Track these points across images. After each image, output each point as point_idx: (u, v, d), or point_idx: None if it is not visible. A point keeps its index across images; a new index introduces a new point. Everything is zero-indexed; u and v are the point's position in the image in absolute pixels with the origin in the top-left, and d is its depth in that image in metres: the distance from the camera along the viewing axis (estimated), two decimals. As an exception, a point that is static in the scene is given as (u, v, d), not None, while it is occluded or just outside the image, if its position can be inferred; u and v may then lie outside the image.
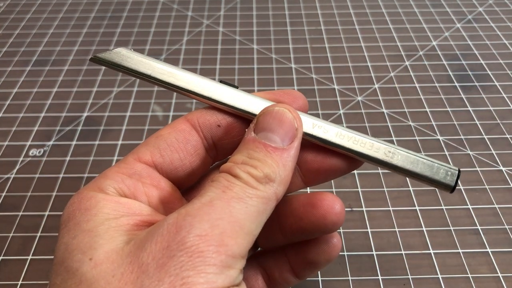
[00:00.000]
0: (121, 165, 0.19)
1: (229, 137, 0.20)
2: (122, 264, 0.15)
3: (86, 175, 0.32)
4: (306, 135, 0.19)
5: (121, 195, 0.18)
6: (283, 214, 0.21)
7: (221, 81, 0.20)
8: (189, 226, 0.15)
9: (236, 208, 0.16)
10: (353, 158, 0.20)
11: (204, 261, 0.15)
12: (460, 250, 0.28)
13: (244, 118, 0.20)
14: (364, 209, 0.30)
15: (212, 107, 0.20)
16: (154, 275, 0.14)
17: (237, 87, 0.20)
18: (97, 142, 0.35)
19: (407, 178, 0.32)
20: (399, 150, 0.19)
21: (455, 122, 0.36)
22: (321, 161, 0.20)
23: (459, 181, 0.31)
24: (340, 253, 0.28)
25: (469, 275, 0.27)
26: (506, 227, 0.29)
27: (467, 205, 0.30)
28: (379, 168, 0.32)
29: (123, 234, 0.16)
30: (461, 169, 0.32)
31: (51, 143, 0.35)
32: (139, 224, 0.17)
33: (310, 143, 0.20)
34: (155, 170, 0.19)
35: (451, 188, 0.19)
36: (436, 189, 0.19)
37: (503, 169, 0.32)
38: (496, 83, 0.40)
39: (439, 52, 0.43)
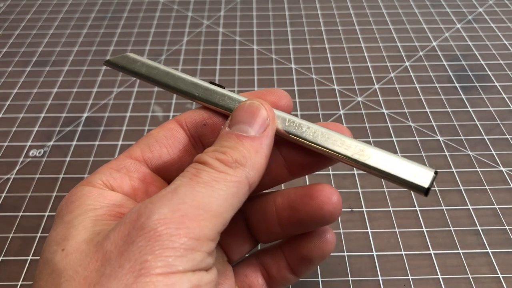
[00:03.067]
0: (112, 162, 0.20)
1: (214, 136, 0.21)
2: (89, 253, 0.15)
3: (86, 175, 0.32)
4: (279, 131, 0.20)
5: (108, 188, 0.19)
6: (281, 206, 0.21)
7: (210, 82, 0.22)
8: (149, 212, 0.15)
9: (201, 192, 0.16)
10: (325, 155, 0.20)
11: (162, 245, 0.14)
12: (460, 251, 0.28)
13: (228, 117, 0.21)
14: (364, 209, 0.30)
15: (201, 107, 0.22)
16: (115, 262, 0.15)
17: (223, 87, 0.21)
18: (97, 143, 0.35)
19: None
20: (372, 149, 0.19)
21: (455, 123, 0.36)
22: (302, 156, 0.21)
23: (459, 182, 0.32)
24: (340, 254, 0.28)
25: (469, 276, 0.27)
26: (507, 227, 0.29)
27: (467, 206, 0.30)
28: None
29: (98, 224, 0.17)
30: (461, 170, 0.32)
31: (51, 143, 0.35)
32: (117, 216, 0.18)
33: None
34: (145, 165, 0.20)
35: (425, 191, 0.18)
36: (411, 191, 0.19)
37: (503, 169, 0.32)
38: (496, 84, 0.40)
39: (439, 53, 0.43)
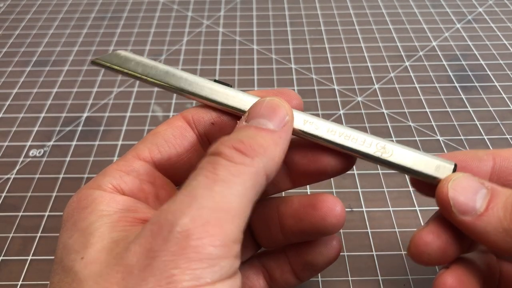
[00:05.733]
0: (120, 163, 0.19)
1: (223, 135, 0.21)
2: (109, 264, 0.15)
3: (86, 175, 0.32)
4: (297, 132, 0.19)
5: (119, 192, 0.18)
6: (284, 215, 0.21)
7: (215, 80, 0.21)
8: (170, 224, 0.15)
9: (219, 192, 0.15)
10: (342, 159, 0.20)
11: (188, 258, 0.14)
12: (460, 251, 0.28)
13: (237, 117, 0.20)
14: (364, 209, 0.30)
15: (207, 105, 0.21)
16: (138, 275, 0.14)
17: (230, 86, 0.20)
18: (97, 143, 0.35)
19: (407, 178, 0.32)
20: (393, 145, 0.19)
21: (455, 123, 0.36)
22: (307, 163, 0.20)
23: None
24: (340, 253, 0.28)
25: (469, 276, 0.27)
26: (506, 227, 0.29)
27: (467, 206, 0.30)
28: (379, 168, 0.32)
29: (115, 230, 0.16)
30: (461, 170, 0.32)
31: (51, 143, 0.35)
32: (132, 221, 0.17)
33: (298, 144, 0.20)
34: (154, 167, 0.20)
35: None
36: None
37: (503, 169, 0.32)
38: (496, 84, 0.40)
39: (439, 53, 0.43)
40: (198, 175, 0.16)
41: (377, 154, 0.19)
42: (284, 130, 0.18)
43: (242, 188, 0.16)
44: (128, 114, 0.37)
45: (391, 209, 0.30)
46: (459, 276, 0.19)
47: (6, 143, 0.35)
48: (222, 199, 0.15)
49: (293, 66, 0.42)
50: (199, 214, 0.15)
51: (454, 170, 0.19)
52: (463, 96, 0.38)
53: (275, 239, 0.22)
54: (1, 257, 0.28)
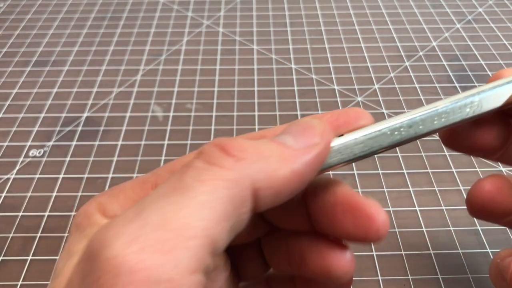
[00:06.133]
0: (136, 188, 0.16)
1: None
2: (68, 282, 0.13)
3: (86, 175, 0.32)
4: (393, 142, 0.18)
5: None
6: (292, 252, 0.18)
7: None
8: (100, 245, 0.11)
9: (174, 205, 0.12)
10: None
11: None
12: (460, 251, 0.28)
13: None
14: (364, 209, 0.30)
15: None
16: None
17: None
18: (97, 143, 0.35)
19: (407, 178, 0.32)
20: (477, 95, 0.18)
21: (455, 123, 0.36)
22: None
23: (459, 182, 0.32)
24: (340, 254, 0.28)
25: (469, 276, 0.27)
26: (506, 227, 0.29)
27: (467, 206, 0.30)
28: (379, 168, 0.32)
29: None
30: (461, 170, 0.32)
31: (51, 143, 0.35)
32: None
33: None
34: None
35: None
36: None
37: (503, 169, 0.32)
38: (496, 84, 0.40)
39: (439, 53, 0.43)
40: (165, 183, 0.12)
41: (470, 114, 0.17)
42: (305, 151, 0.14)
43: (208, 198, 0.12)
44: (128, 114, 0.37)
45: (391, 209, 0.30)
46: (498, 183, 0.18)
47: (6, 143, 0.35)
48: (175, 214, 0.11)
49: (293, 66, 0.42)
50: (136, 237, 0.11)
51: None
52: (463, 96, 0.38)
53: (283, 268, 0.19)
54: (1, 257, 0.28)
